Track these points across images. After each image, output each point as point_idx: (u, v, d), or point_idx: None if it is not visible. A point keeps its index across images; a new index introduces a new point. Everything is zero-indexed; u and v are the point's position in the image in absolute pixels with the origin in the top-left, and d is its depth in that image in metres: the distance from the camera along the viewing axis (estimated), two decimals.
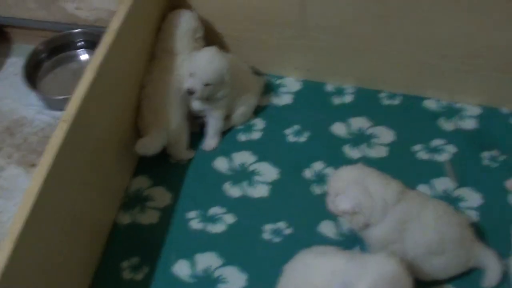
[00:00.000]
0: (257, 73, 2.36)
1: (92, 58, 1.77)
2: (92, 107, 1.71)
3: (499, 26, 2.06)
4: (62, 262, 1.65)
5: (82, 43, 2.48)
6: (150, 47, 2.13)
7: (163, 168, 2.10)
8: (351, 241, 1.90)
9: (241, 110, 2.19)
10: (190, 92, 2.00)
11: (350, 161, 2.10)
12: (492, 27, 2.08)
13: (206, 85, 1.99)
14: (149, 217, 1.98)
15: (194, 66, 1.98)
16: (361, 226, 1.75)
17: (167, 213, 1.99)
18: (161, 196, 2.03)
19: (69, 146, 1.59)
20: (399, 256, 1.65)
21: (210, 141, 2.15)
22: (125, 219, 1.98)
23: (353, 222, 1.76)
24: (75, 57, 2.48)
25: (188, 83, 1.99)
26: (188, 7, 2.23)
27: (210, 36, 2.27)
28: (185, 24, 2.13)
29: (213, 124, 2.14)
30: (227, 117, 2.18)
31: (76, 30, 2.46)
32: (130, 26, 1.89)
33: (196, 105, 2.09)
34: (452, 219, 1.78)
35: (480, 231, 1.88)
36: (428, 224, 1.74)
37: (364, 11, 2.14)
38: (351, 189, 1.73)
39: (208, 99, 2.06)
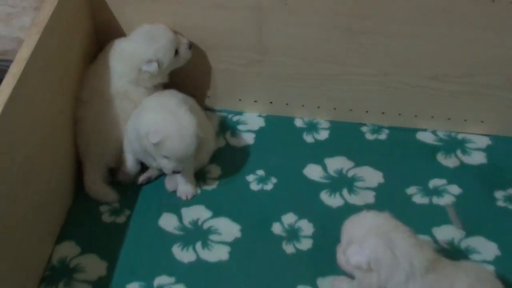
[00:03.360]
0: (209, 109, 2.43)
1: None
2: None
3: (501, 35, 2.16)
4: None
5: None
6: (74, 84, 2.19)
7: (95, 230, 2.12)
8: None
9: (199, 155, 2.24)
10: (176, 172, 2.11)
11: (329, 211, 2.16)
12: (493, 38, 2.17)
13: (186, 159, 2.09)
14: None
15: (166, 149, 2.04)
16: (367, 286, 1.75)
17: (101, 287, 1.99)
18: (93, 266, 2.03)
19: None
20: None
21: (187, 187, 2.21)
22: None
23: (363, 283, 1.76)
24: None
25: (169, 167, 2.08)
26: (114, 31, 2.30)
27: None
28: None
29: (185, 169, 2.17)
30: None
31: None
32: (37, 68, 1.90)
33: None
34: None
35: None
36: None
37: (335, 26, 2.21)
38: (370, 238, 1.73)
39: None
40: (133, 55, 2.18)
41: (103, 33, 2.31)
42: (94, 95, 2.19)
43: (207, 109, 2.42)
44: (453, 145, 2.36)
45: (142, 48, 2.17)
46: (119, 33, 2.30)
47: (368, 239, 1.72)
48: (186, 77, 2.38)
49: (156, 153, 2.06)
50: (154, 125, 2.03)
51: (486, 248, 2.07)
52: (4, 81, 1.76)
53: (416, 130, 2.40)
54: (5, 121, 1.71)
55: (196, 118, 2.06)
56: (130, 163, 2.21)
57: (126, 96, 2.20)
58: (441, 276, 1.74)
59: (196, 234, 2.12)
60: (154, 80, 2.21)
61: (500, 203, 2.18)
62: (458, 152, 2.34)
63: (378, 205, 2.17)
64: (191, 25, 2.27)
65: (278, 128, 2.42)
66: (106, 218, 2.16)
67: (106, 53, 2.23)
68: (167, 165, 2.07)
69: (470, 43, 2.19)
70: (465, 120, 2.37)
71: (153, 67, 2.16)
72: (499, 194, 2.21)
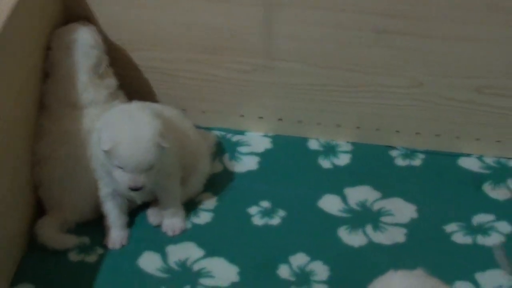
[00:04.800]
0: (204, 127, 2.39)
1: None
2: None
3: None
4: None
5: None
6: (36, 88, 2.14)
7: (60, 270, 2.05)
8: None
9: (190, 181, 2.22)
10: (135, 190, 2.02)
11: (349, 251, 2.10)
12: None
13: (148, 170, 2.01)
14: None
15: (120, 158, 1.98)
16: None
17: None
18: None
19: None
20: None
21: (174, 220, 2.15)
22: None
23: None
24: None
25: (125, 180, 2.01)
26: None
27: (126, 75, 2.31)
28: (82, 44, 2.17)
29: (170, 196, 2.15)
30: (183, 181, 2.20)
31: None
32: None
33: (140, 197, 2.14)
34: None
35: None
36: None
37: (359, 26, 2.18)
38: None
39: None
40: None
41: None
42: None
43: (201, 127, 2.39)
44: (503, 173, 2.33)
45: None
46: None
47: None
48: (176, 86, 2.38)
49: (110, 165, 2.00)
50: (106, 129, 2.00)
51: None
52: None
53: (458, 155, 2.37)
54: None
55: (159, 123, 2.00)
56: (112, 216, 2.14)
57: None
58: None
59: (184, 277, 2.05)
60: None
61: None
62: (510, 182, 2.29)
63: (409, 245, 2.12)
64: (186, 23, 2.26)
65: (288, 150, 2.40)
66: (73, 256, 2.09)
67: None
68: (121, 178, 1.99)
69: None
70: None
71: None
72: None
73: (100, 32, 2.25)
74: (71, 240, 2.11)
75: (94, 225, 2.15)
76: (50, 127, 2.14)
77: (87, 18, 2.27)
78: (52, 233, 2.09)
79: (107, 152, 1.95)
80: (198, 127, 2.33)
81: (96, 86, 2.17)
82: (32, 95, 2.13)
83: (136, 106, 2.07)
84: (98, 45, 2.20)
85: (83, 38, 2.18)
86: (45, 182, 2.13)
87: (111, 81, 2.22)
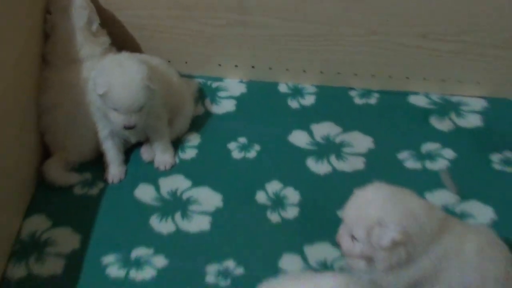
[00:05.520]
0: (187, 75, 2.50)
1: None
2: None
3: None
4: None
5: None
6: (39, 46, 2.26)
7: (67, 203, 2.20)
8: None
9: (177, 122, 2.35)
10: (129, 128, 2.14)
11: (316, 178, 2.25)
12: None
13: (139, 110, 2.13)
14: (51, 267, 2.04)
15: (111, 99, 2.09)
16: (401, 262, 1.77)
17: (76, 260, 2.05)
18: (65, 238, 2.11)
19: None
20: None
21: (164, 157, 2.30)
22: (18, 272, 2.03)
23: (389, 261, 1.77)
24: None
25: (119, 121, 2.12)
26: None
27: (117, 31, 2.42)
28: (74, 9, 2.27)
29: (160, 135, 2.28)
30: (170, 122, 2.32)
31: None
32: None
33: (134, 136, 2.27)
34: (497, 253, 1.86)
35: None
36: (469, 262, 1.81)
37: None
38: (389, 213, 1.74)
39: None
40: None
41: None
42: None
43: (184, 75, 2.49)
44: (447, 108, 2.46)
45: None
46: None
47: (387, 214, 1.74)
48: (161, 40, 2.47)
49: (106, 107, 2.11)
50: (100, 76, 2.10)
51: (481, 212, 2.16)
52: None
53: (407, 93, 2.50)
54: None
55: (146, 69, 2.11)
56: (111, 154, 2.27)
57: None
58: (452, 235, 1.81)
59: (175, 205, 2.20)
60: None
61: (496, 166, 2.28)
62: (452, 115, 2.44)
63: (368, 172, 2.27)
64: None
65: (261, 94, 2.51)
66: (78, 190, 2.24)
67: None
68: (117, 119, 2.11)
69: None
70: (459, 82, 2.47)
71: None
72: (495, 157, 2.31)
73: None
74: (75, 177, 2.25)
75: (95, 164, 2.28)
76: (53, 80, 2.26)
77: None
78: (57, 172, 2.23)
79: (102, 96, 2.08)
80: (181, 75, 2.44)
81: (91, 42, 2.29)
82: (34, 53, 2.24)
83: (125, 56, 2.18)
84: (89, 6, 2.29)
85: (76, 1, 2.27)
86: (50, 128, 2.26)
87: (105, 39, 2.33)
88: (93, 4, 2.34)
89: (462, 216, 2.15)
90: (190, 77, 2.53)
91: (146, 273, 2.04)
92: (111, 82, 2.08)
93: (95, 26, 2.31)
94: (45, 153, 2.29)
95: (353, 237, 1.78)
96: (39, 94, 2.26)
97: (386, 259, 1.76)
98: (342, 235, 1.81)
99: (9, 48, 2.05)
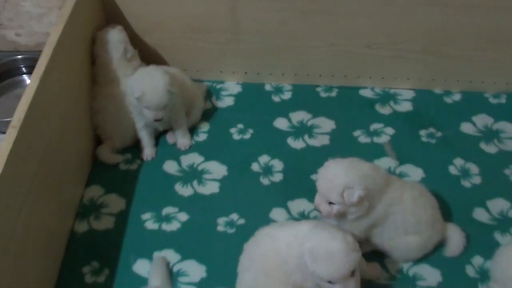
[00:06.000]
0: (198, 80, 2.49)
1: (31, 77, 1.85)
2: (38, 117, 1.79)
3: (418, 10, 2.26)
4: (22, 274, 1.70)
5: (25, 68, 2.57)
6: (88, 67, 2.26)
7: (115, 176, 2.20)
8: None
9: (192, 114, 2.34)
10: (157, 120, 2.16)
11: (294, 152, 2.25)
12: (412, 12, 2.27)
13: (164, 107, 2.14)
14: (105, 223, 2.06)
15: (145, 100, 2.11)
16: (363, 211, 1.79)
17: (122, 217, 2.07)
18: (114, 202, 2.12)
19: (18, 154, 1.66)
20: (377, 237, 1.84)
21: (184, 140, 2.28)
22: (82, 227, 2.06)
23: (357, 213, 1.79)
24: (20, 83, 2.58)
25: (151, 115, 2.14)
26: (122, 21, 2.35)
27: (146, 49, 2.40)
28: (113, 41, 2.25)
29: (180, 124, 2.27)
30: (187, 114, 2.31)
31: (19, 56, 2.56)
32: (64, 48, 1.98)
33: (161, 125, 2.26)
34: (426, 201, 1.90)
35: None
36: (407, 208, 1.84)
37: (289, 10, 2.30)
38: (352, 177, 1.75)
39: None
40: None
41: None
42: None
43: (196, 80, 2.47)
44: (387, 97, 2.45)
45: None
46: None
47: (351, 179, 1.75)
48: (178, 55, 2.46)
49: (141, 106, 2.13)
50: (135, 84, 2.12)
51: (414, 173, 2.18)
52: (39, 60, 1.86)
53: (358, 88, 2.48)
54: (44, 87, 1.82)
55: (168, 77, 2.12)
56: (145, 139, 2.26)
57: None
58: (394, 188, 1.83)
59: (193, 175, 2.20)
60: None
61: (424, 139, 2.29)
62: (391, 103, 2.43)
63: (332, 146, 2.27)
64: (181, 13, 2.34)
65: (252, 92, 2.49)
66: (122, 166, 2.24)
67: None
68: (149, 114, 2.13)
69: (395, 17, 2.28)
70: (395, 78, 2.46)
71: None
72: (422, 132, 2.31)
73: (127, 28, 2.32)
74: (119, 158, 2.26)
75: (133, 148, 2.28)
76: (100, 92, 2.25)
77: (117, 18, 2.35)
78: (107, 154, 2.24)
79: (138, 98, 2.10)
80: (194, 80, 2.43)
81: (125, 67, 2.25)
82: (86, 75, 2.24)
83: (152, 68, 2.18)
84: (124, 41, 2.26)
85: (113, 36, 2.24)
86: (101, 124, 2.25)
87: (136, 63, 2.29)
88: (127, 29, 2.32)
89: (401, 176, 2.16)
90: (200, 81, 2.51)
91: (173, 226, 2.05)
92: (143, 88, 2.09)
93: (130, 54, 2.26)
94: (98, 141, 2.29)
95: (330, 203, 1.78)
96: (91, 101, 2.26)
97: (356, 212, 1.78)
98: (320, 203, 1.81)
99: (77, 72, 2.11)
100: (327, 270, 1.60)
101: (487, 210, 2.06)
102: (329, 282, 1.62)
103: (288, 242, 1.70)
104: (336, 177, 1.76)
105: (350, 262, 1.60)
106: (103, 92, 2.25)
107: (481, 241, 1.97)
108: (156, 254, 1.96)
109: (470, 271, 1.91)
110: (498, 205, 2.08)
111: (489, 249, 1.89)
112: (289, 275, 1.70)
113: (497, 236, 2.00)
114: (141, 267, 1.94)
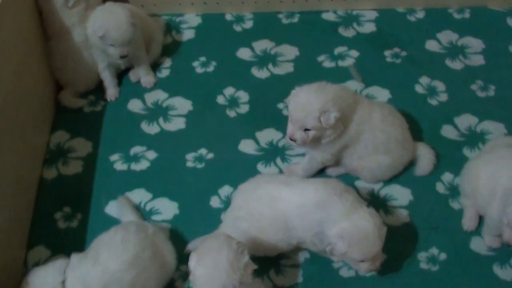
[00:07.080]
0: (156, 15, 2.45)
1: None
2: None
3: None
4: None
5: None
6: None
7: (79, 119, 2.19)
8: (271, 154, 2.05)
9: (152, 48, 2.30)
10: (124, 57, 2.13)
11: (259, 82, 2.25)
12: None
13: (129, 42, 2.11)
14: (74, 168, 2.06)
15: (109, 38, 2.08)
16: (338, 133, 1.82)
17: (90, 160, 2.07)
18: (81, 146, 2.11)
19: None
20: (348, 158, 1.88)
21: (148, 78, 2.26)
22: (51, 173, 2.06)
23: (333, 134, 1.82)
24: None
25: (116, 52, 2.11)
26: None
27: None
28: None
29: (142, 61, 2.25)
30: (146, 50, 2.28)
31: None
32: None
33: (124, 63, 2.23)
34: (395, 120, 1.92)
35: None
36: (377, 126, 1.87)
37: None
38: (326, 103, 1.76)
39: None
40: None
41: None
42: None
43: (154, 14, 2.44)
44: (350, 20, 2.43)
45: None
46: None
47: (324, 103, 1.77)
48: None
49: (105, 45, 2.10)
50: (97, 23, 2.08)
51: (381, 94, 2.19)
52: None
53: (320, 12, 2.46)
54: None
55: (128, 11, 2.10)
56: (108, 79, 2.24)
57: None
58: (363, 107, 1.86)
59: (158, 112, 2.19)
60: None
61: (388, 59, 2.30)
62: (354, 25, 2.41)
63: (297, 73, 2.27)
64: None
65: (212, 23, 2.45)
66: (86, 109, 2.23)
67: None
68: (114, 52, 2.11)
69: None
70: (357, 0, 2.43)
71: None
72: (387, 53, 2.32)
73: None
74: (82, 101, 2.23)
75: (96, 90, 2.26)
76: (53, 45, 2.19)
77: None
78: (70, 99, 2.22)
79: (101, 37, 2.07)
80: (152, 15, 2.40)
81: (68, 14, 2.16)
82: (38, 30, 2.18)
83: (110, 4, 2.14)
84: None
85: None
86: (62, 68, 2.21)
87: (80, 7, 2.18)
88: None
89: (368, 97, 2.17)
90: (159, 15, 2.46)
91: (143, 165, 2.06)
92: (106, 26, 2.07)
93: (71, 2, 2.16)
94: (60, 87, 2.26)
95: (305, 129, 1.80)
96: (50, 49, 2.21)
97: (331, 134, 1.81)
98: (295, 132, 1.82)
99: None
100: (363, 252, 1.66)
101: (455, 126, 2.09)
102: (361, 261, 1.67)
103: (298, 204, 1.72)
104: (309, 103, 1.77)
105: (382, 239, 1.66)
106: (56, 45, 2.20)
107: (450, 158, 2.01)
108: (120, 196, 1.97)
109: (440, 188, 1.95)
110: (465, 121, 2.11)
111: (459, 165, 1.93)
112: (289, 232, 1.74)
113: (466, 151, 2.03)
114: (112, 209, 1.95)
